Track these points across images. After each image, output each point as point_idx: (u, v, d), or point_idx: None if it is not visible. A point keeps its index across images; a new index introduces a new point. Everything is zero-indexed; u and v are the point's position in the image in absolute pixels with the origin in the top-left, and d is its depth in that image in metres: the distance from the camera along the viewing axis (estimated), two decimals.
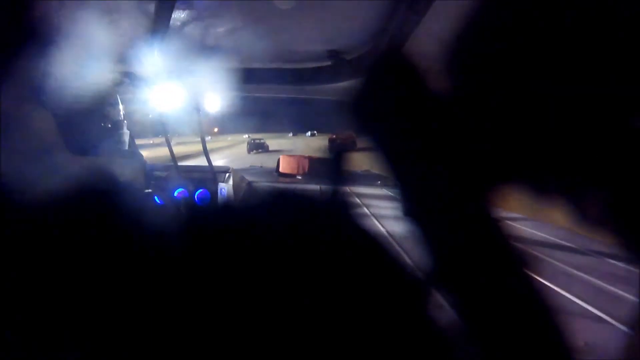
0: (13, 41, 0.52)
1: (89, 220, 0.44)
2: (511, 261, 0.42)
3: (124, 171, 0.70)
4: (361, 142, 0.47)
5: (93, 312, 0.33)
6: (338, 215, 0.48)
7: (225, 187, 2.21)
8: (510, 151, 0.42)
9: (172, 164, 2.24)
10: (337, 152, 0.54)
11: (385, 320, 0.35)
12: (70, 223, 0.43)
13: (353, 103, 0.50)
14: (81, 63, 0.62)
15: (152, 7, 0.90)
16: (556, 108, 0.38)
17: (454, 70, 0.44)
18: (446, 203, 0.43)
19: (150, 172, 2.07)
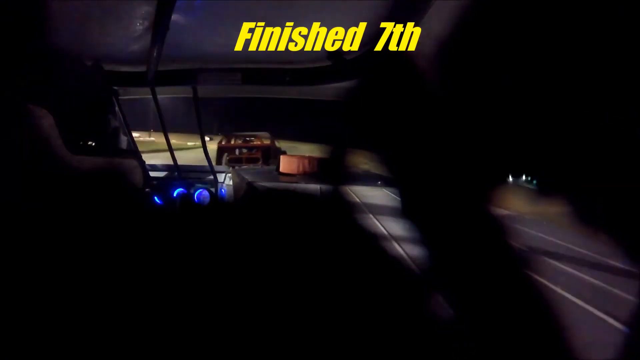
0: (13, 41, 0.52)
1: (88, 219, 0.44)
2: (511, 261, 0.42)
3: (123, 171, 0.70)
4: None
5: (92, 312, 0.33)
6: (338, 215, 0.48)
7: (225, 187, 2.21)
8: (510, 151, 0.42)
9: (172, 163, 2.24)
10: (337, 153, 0.54)
11: (385, 319, 0.35)
12: (70, 222, 0.43)
13: (353, 103, 0.50)
14: (81, 63, 0.62)
15: (152, 7, 0.90)
16: (557, 108, 0.38)
17: (454, 70, 0.44)
18: (446, 203, 0.43)
19: (150, 172, 2.07)
